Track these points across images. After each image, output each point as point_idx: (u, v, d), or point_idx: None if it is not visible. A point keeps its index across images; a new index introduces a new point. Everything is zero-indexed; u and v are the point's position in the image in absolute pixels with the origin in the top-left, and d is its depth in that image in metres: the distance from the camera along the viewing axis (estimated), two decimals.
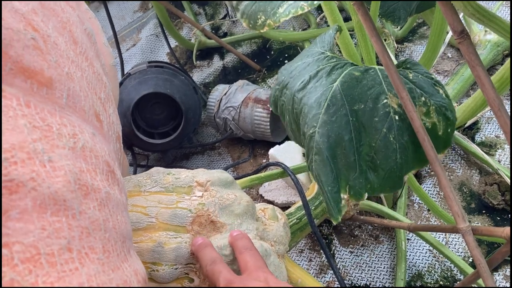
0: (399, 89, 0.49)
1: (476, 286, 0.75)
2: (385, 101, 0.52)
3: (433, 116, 0.53)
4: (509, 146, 0.48)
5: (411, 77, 0.55)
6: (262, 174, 0.78)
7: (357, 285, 0.87)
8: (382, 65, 0.53)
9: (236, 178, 1.02)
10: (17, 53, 0.28)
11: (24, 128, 0.27)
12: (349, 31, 1.05)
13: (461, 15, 1.03)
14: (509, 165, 0.93)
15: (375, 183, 0.52)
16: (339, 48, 0.83)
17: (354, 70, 0.56)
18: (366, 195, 0.52)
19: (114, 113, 0.43)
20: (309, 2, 0.38)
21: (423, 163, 0.53)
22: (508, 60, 0.74)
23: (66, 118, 0.31)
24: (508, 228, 0.45)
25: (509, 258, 0.82)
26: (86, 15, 0.51)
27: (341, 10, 1.25)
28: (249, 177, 0.77)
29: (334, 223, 0.53)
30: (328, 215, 0.83)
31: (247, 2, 0.42)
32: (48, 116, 0.30)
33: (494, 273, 0.81)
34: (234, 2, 0.45)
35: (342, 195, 0.52)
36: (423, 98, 0.53)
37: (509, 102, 1.02)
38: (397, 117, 0.52)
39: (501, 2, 1.13)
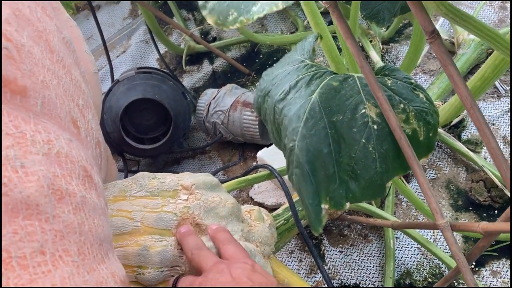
0: (375, 90, 0.50)
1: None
2: (363, 111, 0.53)
3: (413, 122, 0.53)
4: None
5: (389, 84, 0.55)
6: (249, 177, 0.79)
7: (347, 284, 0.87)
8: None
9: (226, 181, 1.03)
10: None
11: None
12: (333, 34, 1.06)
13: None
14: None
15: (356, 192, 0.52)
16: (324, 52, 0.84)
17: (332, 80, 0.56)
18: (347, 204, 0.52)
19: (93, 119, 0.44)
20: (284, 1, 0.38)
21: (404, 170, 0.53)
22: (488, 59, 0.76)
23: (41, 125, 0.32)
24: (483, 223, 0.46)
25: (495, 254, 0.83)
26: (67, 24, 0.52)
27: (327, 13, 1.26)
28: (236, 180, 0.78)
29: (315, 234, 0.53)
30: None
31: (216, 1, 0.43)
32: (22, 123, 0.30)
33: (481, 269, 0.82)
34: (200, 2, 0.45)
35: (323, 206, 0.52)
36: (401, 105, 0.53)
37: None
38: (375, 127, 0.52)
39: (484, 1, 1.15)
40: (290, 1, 0.39)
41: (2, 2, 0.34)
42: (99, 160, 0.44)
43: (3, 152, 0.27)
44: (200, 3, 0.44)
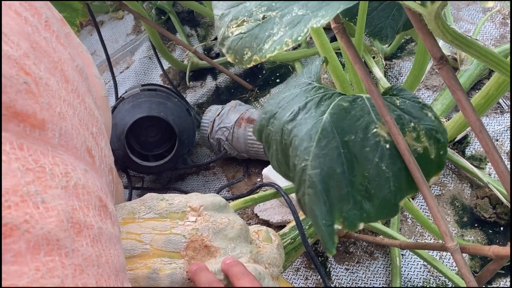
0: (383, 113, 0.50)
1: None
2: (374, 130, 0.53)
3: (424, 140, 0.53)
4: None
5: (398, 104, 0.56)
6: (255, 196, 0.79)
7: None
8: None
9: (231, 198, 1.03)
10: (10, 98, 0.29)
11: (18, 171, 0.28)
12: (337, 51, 1.07)
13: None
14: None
15: (371, 212, 0.52)
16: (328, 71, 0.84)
17: (342, 100, 0.57)
18: (361, 225, 0.52)
19: (106, 146, 0.44)
20: (293, 38, 0.39)
21: (417, 189, 0.53)
22: (492, 78, 0.76)
23: (58, 158, 0.32)
24: (494, 247, 0.46)
25: (502, 272, 0.83)
26: (77, 49, 0.53)
27: (329, 29, 1.27)
28: (243, 199, 0.78)
29: (329, 255, 0.53)
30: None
31: (233, 38, 0.44)
32: (41, 157, 0.31)
33: (488, 286, 0.82)
34: (219, 38, 0.47)
35: (336, 227, 0.52)
36: (412, 124, 0.53)
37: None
38: (387, 146, 0.52)
39: (486, 17, 1.16)
40: (300, 38, 0.40)
41: (4, 32, 0.34)
42: (112, 187, 0.44)
43: (24, 188, 0.28)
44: (218, 40, 0.45)
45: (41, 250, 0.27)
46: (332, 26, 0.51)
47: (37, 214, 0.27)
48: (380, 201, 0.52)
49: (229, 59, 0.43)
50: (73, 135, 0.36)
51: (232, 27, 0.44)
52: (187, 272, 0.56)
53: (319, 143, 0.54)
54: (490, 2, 0.32)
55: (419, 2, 0.41)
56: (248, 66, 0.41)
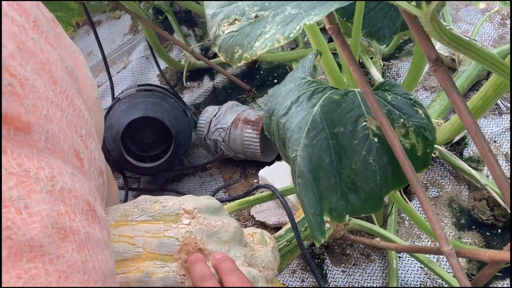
0: (379, 116, 0.49)
1: None
2: (364, 123, 0.53)
3: (412, 137, 0.54)
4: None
5: (389, 99, 0.55)
6: (251, 197, 0.79)
7: None
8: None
9: (227, 200, 1.03)
10: None
11: None
12: (334, 51, 1.06)
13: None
14: None
15: (356, 204, 0.52)
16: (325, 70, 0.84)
17: (333, 94, 0.57)
18: (347, 216, 0.52)
19: (96, 148, 0.43)
20: (285, 35, 0.38)
21: (402, 184, 0.53)
22: (490, 79, 0.76)
23: (44, 161, 0.32)
24: (489, 251, 0.46)
25: (500, 274, 0.82)
26: (69, 50, 0.52)
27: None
28: (238, 201, 0.77)
29: (317, 245, 0.53)
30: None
31: (224, 36, 0.43)
32: (25, 160, 0.30)
33: None
34: (211, 37, 0.46)
35: (325, 218, 0.52)
36: (401, 120, 0.53)
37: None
38: (376, 139, 0.52)
39: (484, 18, 1.15)
40: (291, 35, 0.39)
41: (3, 33, 0.34)
42: (102, 190, 0.43)
43: (6, 193, 0.27)
44: (211, 40, 0.44)
45: (23, 257, 0.26)
46: (327, 27, 0.50)
47: (20, 220, 0.27)
48: (366, 194, 0.52)
49: (222, 58, 0.42)
50: (60, 138, 0.35)
51: (224, 26, 0.44)
52: (180, 275, 0.55)
53: (309, 133, 0.54)
54: (481, 3, 0.32)
55: (414, 3, 0.40)
56: (239, 64, 0.40)
